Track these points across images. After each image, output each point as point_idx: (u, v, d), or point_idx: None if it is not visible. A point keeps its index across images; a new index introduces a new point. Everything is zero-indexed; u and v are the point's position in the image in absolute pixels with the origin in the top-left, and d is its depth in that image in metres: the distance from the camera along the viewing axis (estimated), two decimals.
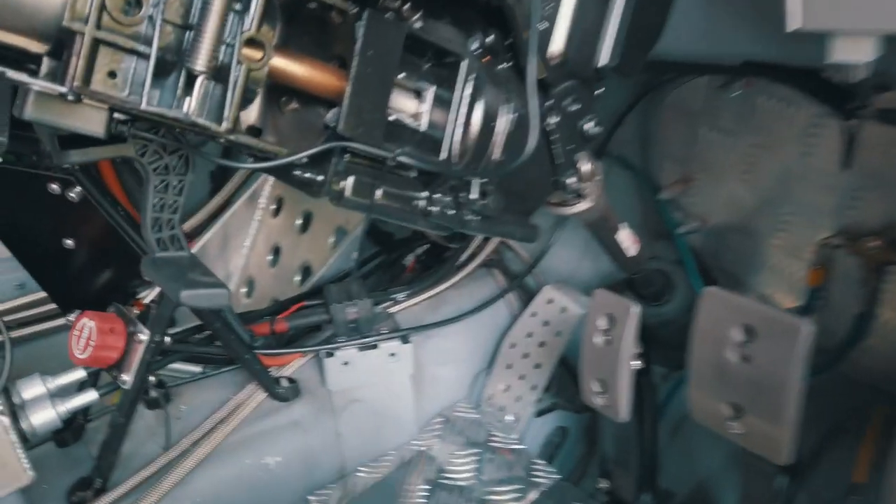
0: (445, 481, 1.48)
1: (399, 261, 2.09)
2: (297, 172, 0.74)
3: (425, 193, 0.81)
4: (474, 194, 0.81)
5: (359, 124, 0.69)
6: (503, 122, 0.80)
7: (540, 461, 1.49)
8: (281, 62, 0.68)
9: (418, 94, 0.78)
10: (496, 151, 0.81)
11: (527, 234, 0.96)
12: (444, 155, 0.77)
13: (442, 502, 1.42)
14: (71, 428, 1.38)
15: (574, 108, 0.89)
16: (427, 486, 1.47)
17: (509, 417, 1.61)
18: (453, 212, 0.83)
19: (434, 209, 0.81)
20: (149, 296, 1.49)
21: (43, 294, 1.85)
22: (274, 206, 2.23)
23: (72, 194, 1.08)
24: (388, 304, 1.68)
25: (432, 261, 2.09)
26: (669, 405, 1.53)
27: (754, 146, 1.36)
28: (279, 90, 0.75)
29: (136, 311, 1.32)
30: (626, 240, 1.20)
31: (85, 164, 0.95)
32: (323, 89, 0.72)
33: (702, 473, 1.47)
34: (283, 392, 1.46)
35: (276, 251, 2.11)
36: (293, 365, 1.54)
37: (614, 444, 1.35)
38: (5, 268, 1.93)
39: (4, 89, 0.88)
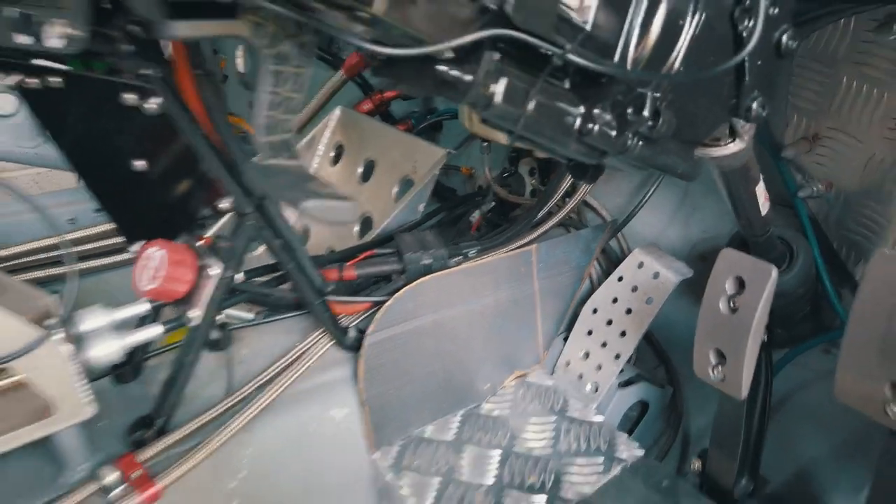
0: (519, 449, 1.38)
1: (463, 217, 1.99)
2: (442, 68, 0.62)
3: (582, 109, 0.69)
4: (647, 111, 0.68)
5: (531, 8, 0.56)
6: (690, 26, 0.67)
7: (622, 434, 1.38)
8: None
9: None
10: (677, 61, 0.68)
11: (689, 170, 0.83)
12: (617, 59, 0.64)
13: (515, 471, 1.33)
14: (130, 364, 1.32)
15: (773, 10, 0.75)
16: (499, 452, 1.37)
17: (588, 387, 1.50)
18: (614, 133, 0.70)
19: (592, 127, 0.69)
20: (215, 230, 1.41)
21: (96, 230, 1.80)
22: (333, 154, 2.13)
23: (148, 106, 0.98)
24: (458, 258, 1.56)
25: (499, 219, 1.99)
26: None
27: None
28: None
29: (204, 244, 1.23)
30: (762, 195, 1.07)
31: (189, 39, 0.83)
32: None
33: (802, 462, 1.35)
34: (351, 342, 1.37)
35: None
36: (359, 315, 1.44)
37: (713, 427, 1.23)
38: (58, 201, 1.90)
39: None
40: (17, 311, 1.00)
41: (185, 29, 0.61)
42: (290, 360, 1.34)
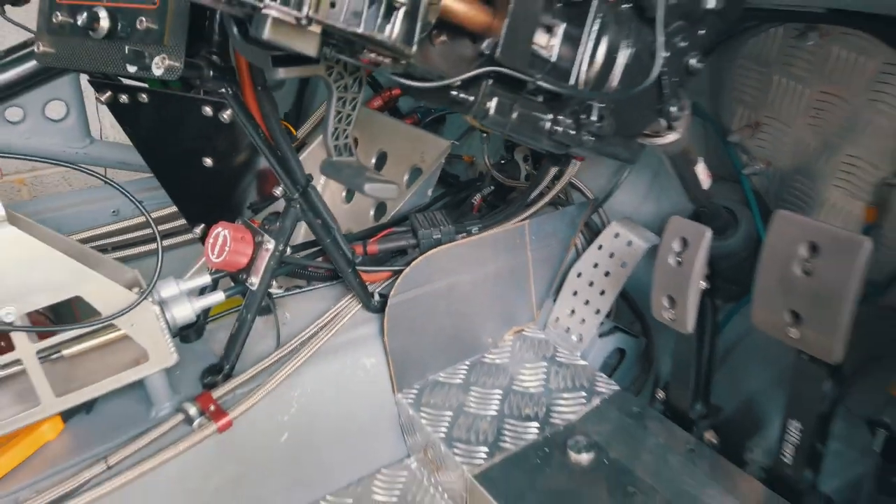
0: (517, 388, 1.67)
1: (466, 200, 2.25)
2: (454, 93, 0.90)
3: (550, 116, 0.97)
4: (594, 116, 0.96)
5: (513, 52, 0.84)
6: (623, 56, 0.95)
7: (602, 374, 1.67)
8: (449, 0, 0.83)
9: (549, 30, 0.92)
10: (614, 81, 0.96)
11: (630, 155, 1.11)
12: (572, 81, 0.92)
13: (514, 405, 1.61)
14: (195, 326, 1.59)
15: (682, 44, 1.03)
16: (500, 391, 1.66)
17: (574, 337, 1.78)
18: (573, 132, 0.98)
19: (558, 129, 0.97)
20: (261, 216, 1.68)
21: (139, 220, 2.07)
22: None
23: (223, 116, 1.25)
24: (463, 234, 1.84)
25: (498, 200, 2.25)
26: (721, 334, 1.68)
27: (824, 93, 1.48)
28: (434, 24, 0.90)
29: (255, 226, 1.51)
30: (702, 173, 1.34)
31: (282, 81, 1.11)
32: (474, 24, 0.87)
33: (748, 392, 1.63)
34: (376, 304, 1.65)
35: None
36: (381, 283, 1.72)
37: (671, 362, 1.51)
38: (102, 195, 2.16)
39: (183, 19, 1.05)
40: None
41: (284, 73, 0.88)
42: (327, 320, 1.61)
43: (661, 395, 1.56)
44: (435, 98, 0.92)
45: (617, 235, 1.79)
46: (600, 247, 1.82)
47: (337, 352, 1.58)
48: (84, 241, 1.98)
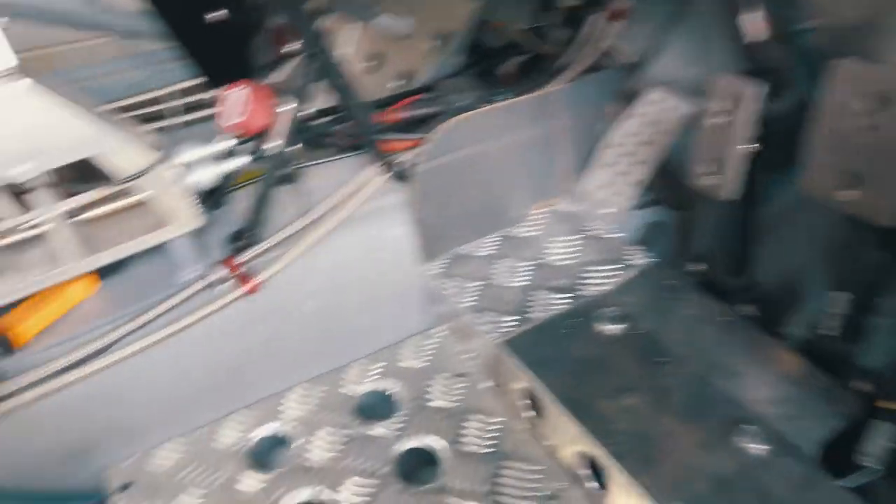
0: (546, 260, 1.63)
1: (493, 69, 2.13)
2: None
3: None
4: None
5: None
6: None
7: (636, 247, 1.62)
8: None
9: None
10: None
11: None
12: None
13: (543, 277, 1.58)
14: (216, 193, 1.56)
15: None
16: (529, 264, 1.62)
17: (608, 210, 1.72)
18: None
19: None
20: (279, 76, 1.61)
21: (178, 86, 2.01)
22: None
23: None
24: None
25: (532, 69, 2.12)
26: (764, 206, 1.60)
27: None
28: None
29: None
30: (758, 23, 1.21)
31: None
32: None
33: (792, 266, 1.57)
34: (402, 173, 1.60)
35: (380, 56, 2.16)
36: (408, 151, 1.65)
37: (711, 233, 1.44)
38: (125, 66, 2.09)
39: None
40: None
41: None
42: (353, 189, 1.57)
43: (698, 267, 1.51)
44: None
45: (657, 101, 1.68)
46: (639, 114, 1.71)
47: (363, 221, 1.55)
48: (132, 106, 1.95)
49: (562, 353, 1.35)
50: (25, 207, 1.21)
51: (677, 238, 1.71)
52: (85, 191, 1.25)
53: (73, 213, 1.27)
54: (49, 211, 1.21)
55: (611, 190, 1.72)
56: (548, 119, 1.72)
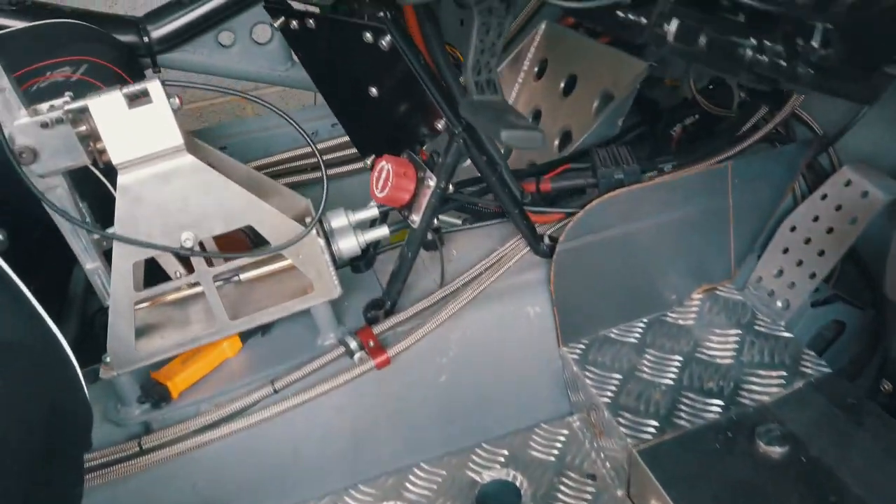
0: (701, 356, 1.46)
1: (665, 131, 1.99)
2: (620, 14, 0.71)
3: (753, 42, 0.73)
4: (816, 41, 0.70)
5: None
6: None
7: (810, 352, 1.40)
8: None
9: None
10: None
11: (868, 93, 0.83)
12: None
13: (694, 376, 1.42)
14: (365, 257, 1.59)
15: None
16: (680, 358, 1.47)
17: (779, 303, 1.51)
18: (784, 63, 0.74)
19: (762, 59, 0.73)
20: (432, 147, 1.61)
21: (333, 142, 2.11)
22: (537, 69, 2.21)
23: (382, 42, 1.17)
24: (653, 173, 1.61)
25: (702, 133, 1.96)
26: None
27: None
28: None
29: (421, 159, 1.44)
30: None
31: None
32: None
33: None
34: (545, 248, 1.52)
35: (537, 114, 2.11)
36: (553, 225, 1.58)
37: None
38: (303, 117, 2.23)
39: None
40: (285, 212, 1.29)
41: None
42: (493, 261, 1.52)
43: (887, 386, 1.27)
44: (598, 20, 0.74)
45: (848, 183, 1.45)
46: (824, 196, 1.49)
47: (501, 296, 1.49)
48: (268, 165, 2.06)
49: (709, 473, 1.19)
50: (189, 269, 1.31)
51: (861, 345, 1.46)
52: (231, 257, 1.32)
53: (225, 276, 1.35)
54: (202, 274, 1.29)
55: (784, 280, 1.51)
56: (715, 194, 1.56)
